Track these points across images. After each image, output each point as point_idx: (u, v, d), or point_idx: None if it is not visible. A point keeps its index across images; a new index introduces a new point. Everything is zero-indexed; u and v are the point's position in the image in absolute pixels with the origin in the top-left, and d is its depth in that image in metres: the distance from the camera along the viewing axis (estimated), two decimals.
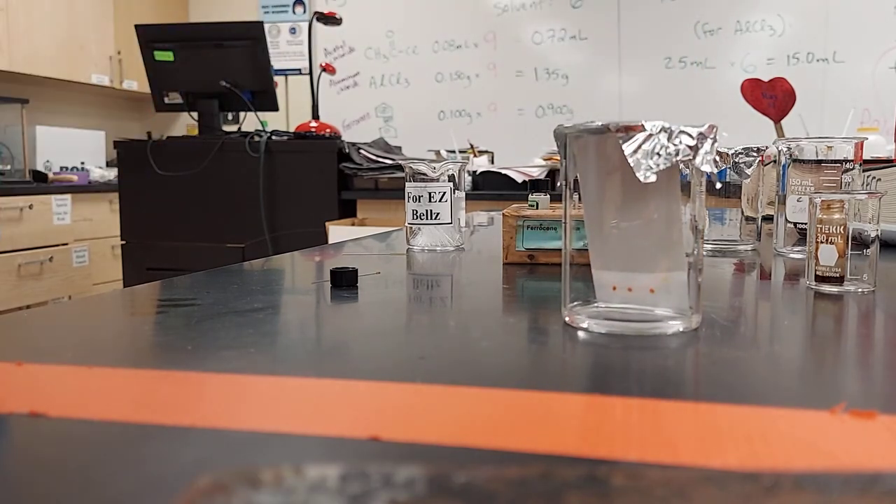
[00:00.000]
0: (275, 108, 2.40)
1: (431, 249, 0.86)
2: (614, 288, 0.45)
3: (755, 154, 0.83)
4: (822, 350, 0.42)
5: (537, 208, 0.80)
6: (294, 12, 4.34)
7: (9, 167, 3.57)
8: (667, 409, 0.30)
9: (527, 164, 2.39)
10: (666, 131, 0.41)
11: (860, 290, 0.57)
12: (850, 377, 0.37)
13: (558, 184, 2.19)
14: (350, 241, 0.99)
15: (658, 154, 0.40)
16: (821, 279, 0.57)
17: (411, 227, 0.87)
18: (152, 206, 2.32)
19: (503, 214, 0.73)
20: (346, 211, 2.30)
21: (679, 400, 0.31)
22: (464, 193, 0.90)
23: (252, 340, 0.42)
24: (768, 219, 0.96)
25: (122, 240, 2.37)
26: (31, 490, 0.23)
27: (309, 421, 0.29)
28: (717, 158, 0.42)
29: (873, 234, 0.57)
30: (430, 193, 0.85)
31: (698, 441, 0.26)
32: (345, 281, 0.60)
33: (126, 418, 0.29)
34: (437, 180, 0.86)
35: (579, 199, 0.45)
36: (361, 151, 2.34)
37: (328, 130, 2.47)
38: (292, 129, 2.61)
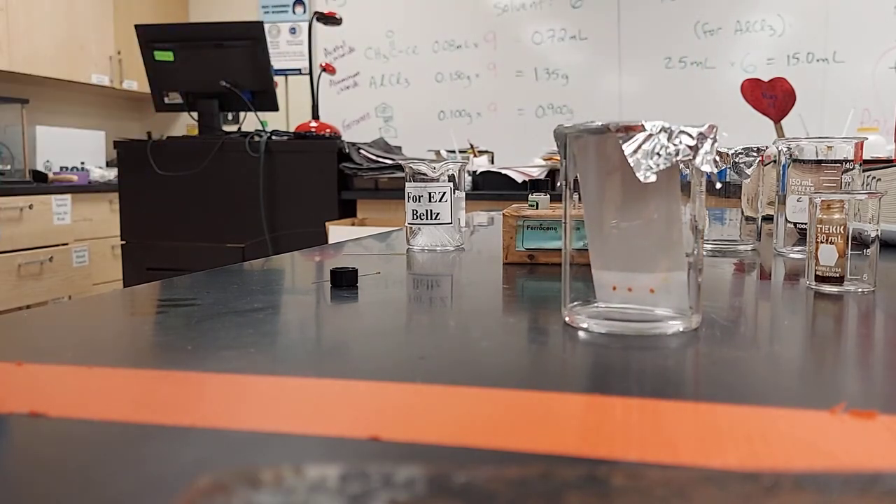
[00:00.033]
0: (275, 108, 2.40)
1: (431, 249, 0.86)
2: (614, 288, 0.45)
3: (755, 154, 0.83)
4: (822, 350, 0.42)
5: (537, 208, 0.80)
6: (294, 12, 4.34)
7: (9, 167, 3.57)
8: (667, 409, 0.30)
9: (527, 164, 2.39)
10: (666, 131, 0.41)
11: (860, 290, 0.57)
12: (850, 377, 0.37)
13: (558, 184, 2.19)
14: (350, 241, 0.99)
15: (658, 154, 0.40)
16: (821, 279, 0.57)
17: (411, 227, 0.87)
18: (152, 206, 2.32)
19: (503, 214, 0.73)
20: (346, 211, 2.30)
21: (679, 400, 0.31)
22: (464, 193, 0.90)
23: (252, 340, 0.42)
24: (768, 219, 0.96)
25: (122, 240, 2.37)
26: (31, 490, 0.23)
27: (309, 421, 0.29)
28: (717, 158, 0.42)
29: (873, 234, 0.57)
30: (430, 193, 0.85)
31: (698, 441, 0.26)
32: (345, 281, 0.60)
33: (126, 418, 0.29)
34: (437, 180, 0.86)
35: (579, 199, 0.45)
36: (361, 151, 2.34)
37: (328, 130, 2.47)
38: (292, 129, 2.61)
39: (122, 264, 2.38)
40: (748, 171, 0.83)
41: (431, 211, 0.86)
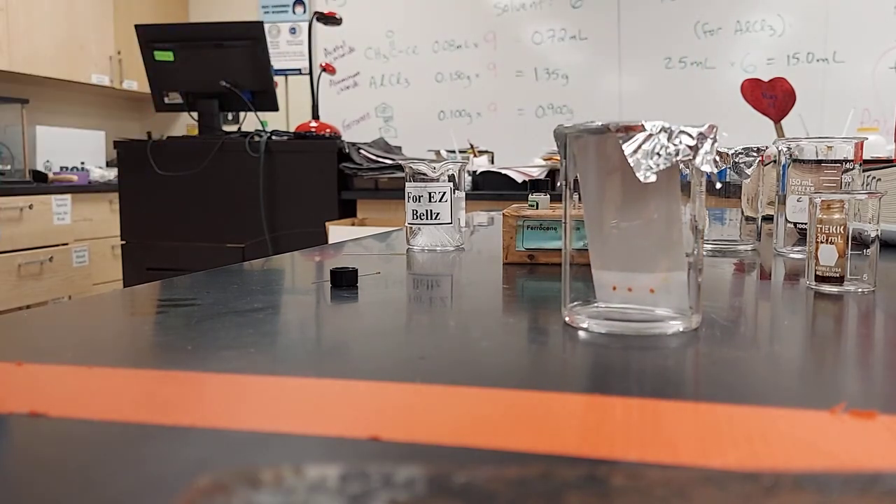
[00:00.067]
0: (275, 108, 2.40)
1: (431, 249, 0.86)
2: (614, 288, 0.45)
3: (755, 154, 0.83)
4: (822, 350, 0.42)
5: (537, 208, 0.80)
6: (294, 12, 4.34)
7: (9, 167, 3.57)
8: (667, 409, 0.30)
9: (527, 164, 2.39)
10: (666, 131, 0.41)
11: (860, 290, 0.57)
12: (850, 377, 0.37)
13: (558, 184, 2.19)
14: (350, 241, 0.99)
15: (658, 154, 0.40)
16: (821, 279, 0.57)
17: (411, 227, 0.87)
18: (152, 206, 2.32)
19: (503, 214, 0.73)
20: (346, 211, 2.30)
21: (679, 400, 0.31)
22: (464, 193, 0.90)
23: (252, 340, 0.42)
24: (768, 219, 0.96)
25: (122, 240, 2.37)
26: (31, 490, 0.23)
27: (309, 421, 0.29)
28: (717, 158, 0.42)
29: (873, 234, 0.57)
30: (430, 193, 0.85)
31: (698, 441, 0.26)
32: (345, 281, 0.60)
33: (126, 418, 0.29)
34: (437, 180, 0.86)
35: (579, 199, 0.45)
36: (361, 151, 2.34)
37: (328, 130, 2.47)
38: (292, 129, 2.61)
39: (122, 264, 2.38)
40: (748, 171, 0.83)
41: (431, 211, 0.86)
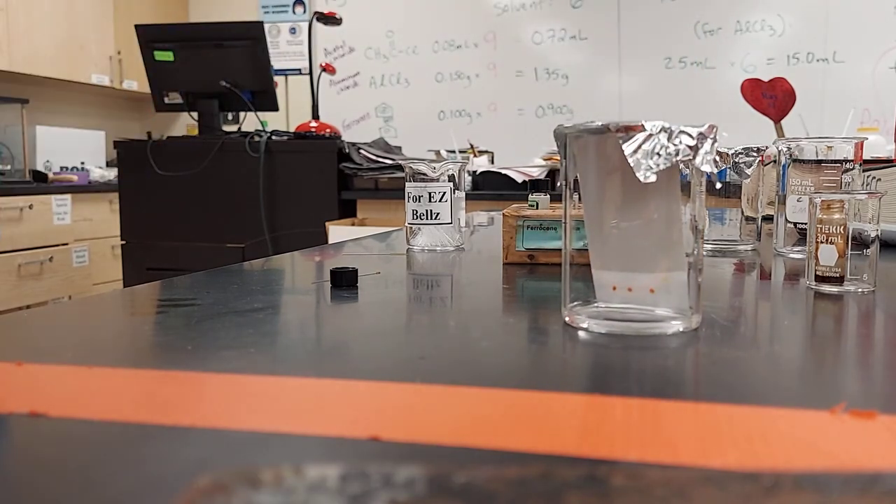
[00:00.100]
0: (275, 108, 2.40)
1: (431, 249, 0.86)
2: (614, 288, 0.45)
3: (755, 154, 0.83)
4: (822, 350, 0.42)
5: (537, 208, 0.80)
6: (294, 12, 4.34)
7: (9, 167, 3.57)
8: (667, 409, 0.30)
9: (527, 164, 2.39)
10: (666, 131, 0.41)
11: (860, 290, 0.57)
12: (850, 377, 0.37)
13: (558, 184, 2.19)
14: (350, 241, 0.99)
15: (658, 154, 0.40)
16: (821, 279, 0.57)
17: (411, 227, 0.87)
18: (152, 206, 2.32)
19: (503, 214, 0.73)
20: (346, 211, 2.30)
21: (679, 400, 0.31)
22: (464, 193, 0.90)
23: (252, 340, 0.42)
24: (768, 219, 0.96)
25: (122, 240, 2.37)
26: (31, 490, 0.23)
27: (309, 421, 0.29)
28: (717, 158, 0.42)
29: (873, 234, 0.57)
30: (430, 193, 0.85)
31: (698, 441, 0.26)
32: (345, 281, 0.60)
33: (126, 418, 0.29)
34: (437, 180, 0.86)
35: (579, 199, 0.45)
36: (361, 151, 2.34)
37: (328, 130, 2.47)
38: (292, 129, 2.61)
39: (122, 264, 2.38)
40: (748, 171, 0.83)
41: (431, 211, 0.86)
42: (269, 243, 2.23)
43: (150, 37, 2.36)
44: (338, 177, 2.25)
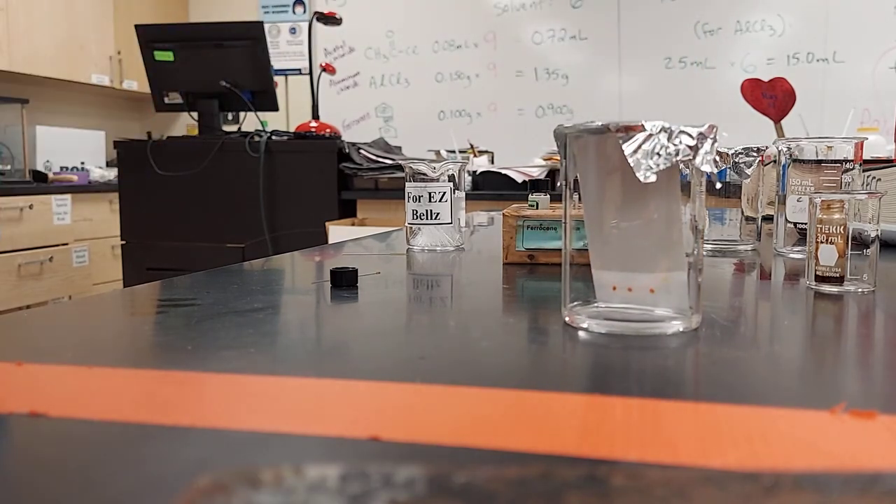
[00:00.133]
0: (275, 108, 2.40)
1: (431, 249, 0.86)
2: (614, 288, 0.45)
3: (755, 154, 0.83)
4: (822, 350, 0.42)
5: (537, 208, 0.80)
6: (294, 12, 4.34)
7: (9, 167, 3.57)
8: (667, 409, 0.30)
9: (527, 164, 2.39)
10: (666, 131, 0.41)
11: (860, 290, 0.57)
12: (850, 377, 0.37)
13: (558, 184, 2.19)
14: (350, 241, 0.99)
15: (658, 154, 0.40)
16: (821, 279, 0.57)
17: (411, 227, 0.87)
18: (152, 206, 2.32)
19: (503, 214, 0.73)
20: (346, 211, 2.30)
21: (679, 400, 0.31)
22: (464, 193, 0.90)
23: (252, 340, 0.42)
24: (768, 219, 0.96)
25: (122, 240, 2.37)
26: (31, 490, 0.23)
27: (309, 421, 0.29)
28: (717, 158, 0.42)
29: (873, 234, 0.57)
30: (430, 193, 0.85)
31: (698, 441, 0.26)
32: (345, 281, 0.60)
33: (126, 418, 0.29)
34: (437, 180, 0.86)
35: (579, 199, 0.45)
36: (361, 151, 2.34)
37: (328, 130, 2.47)
38: (292, 129, 2.61)
39: (122, 264, 2.38)
40: (748, 171, 0.83)
41: (431, 211, 0.86)
42: (269, 243, 2.23)
43: (150, 37, 2.36)
44: (338, 177, 2.25)
